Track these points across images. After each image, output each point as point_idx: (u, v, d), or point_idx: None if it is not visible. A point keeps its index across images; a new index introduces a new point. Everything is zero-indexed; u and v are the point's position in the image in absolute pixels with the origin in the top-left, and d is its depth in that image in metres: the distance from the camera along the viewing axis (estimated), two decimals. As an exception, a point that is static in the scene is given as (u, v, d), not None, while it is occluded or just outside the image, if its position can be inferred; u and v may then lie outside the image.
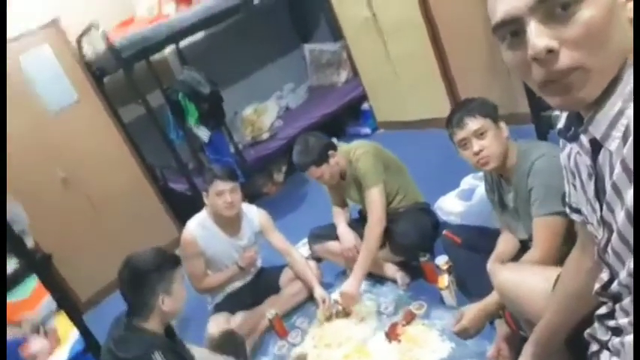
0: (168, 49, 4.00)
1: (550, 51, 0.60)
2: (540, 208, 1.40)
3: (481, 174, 2.37)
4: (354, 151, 2.16)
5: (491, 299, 1.49)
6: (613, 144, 0.65)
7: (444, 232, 1.95)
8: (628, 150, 0.63)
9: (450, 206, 2.28)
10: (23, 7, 3.45)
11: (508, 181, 1.57)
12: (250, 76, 4.66)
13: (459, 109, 1.52)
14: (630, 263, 0.70)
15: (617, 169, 0.65)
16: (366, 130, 4.17)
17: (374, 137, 4.11)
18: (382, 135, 4.13)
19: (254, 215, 2.39)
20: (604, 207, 0.72)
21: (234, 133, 3.86)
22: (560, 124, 0.81)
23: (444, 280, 2.01)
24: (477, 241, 1.73)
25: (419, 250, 2.15)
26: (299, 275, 2.36)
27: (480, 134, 1.46)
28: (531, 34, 0.61)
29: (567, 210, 0.92)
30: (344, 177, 2.23)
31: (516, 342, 1.62)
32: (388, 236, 2.14)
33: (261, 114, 4.26)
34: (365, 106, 4.29)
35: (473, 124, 1.46)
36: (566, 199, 0.91)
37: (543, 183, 1.39)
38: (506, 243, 1.65)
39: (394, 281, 2.27)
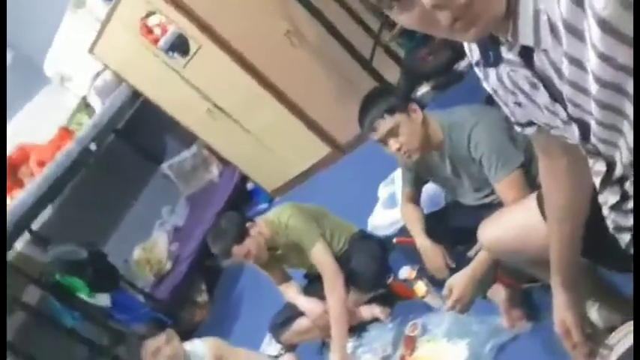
0: (21, 243, 3.51)
1: None
2: (500, 172, 1.42)
3: (391, 177, 2.40)
4: (278, 220, 2.02)
5: (477, 263, 1.44)
6: (547, 43, 0.64)
7: (395, 240, 1.88)
8: (568, 43, 0.61)
9: (384, 220, 2.23)
10: None
11: (439, 156, 1.57)
12: (121, 221, 4.31)
13: (366, 111, 1.51)
14: (626, 141, 0.67)
15: (564, 64, 0.63)
16: (263, 206, 4.06)
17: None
18: (280, 202, 4.06)
19: (201, 350, 2.06)
20: (568, 106, 0.69)
21: (135, 281, 3.46)
22: (476, 56, 0.80)
23: (421, 287, 1.91)
24: (431, 230, 1.68)
25: (383, 275, 2.04)
26: None
27: (393, 132, 1.44)
28: None
29: (517, 128, 0.90)
30: (276, 248, 2.06)
31: (519, 297, 1.58)
32: (348, 279, 2.00)
33: (152, 250, 3.91)
34: (250, 185, 4.20)
35: (383, 125, 1.46)
36: (512, 119, 0.89)
37: (491, 149, 1.42)
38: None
39: (376, 320, 2.12)
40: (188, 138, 4.27)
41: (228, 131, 3.77)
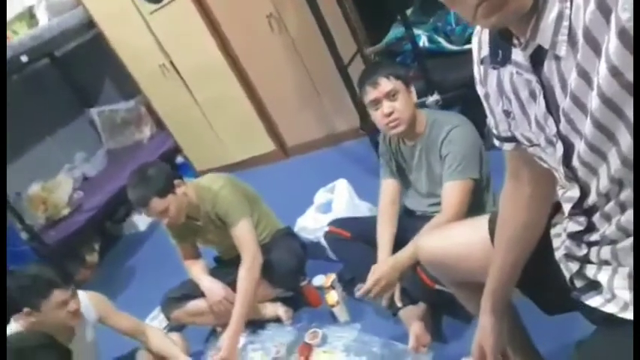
0: None
1: None
2: (456, 173, 1.45)
3: (332, 185, 2.36)
4: (208, 187, 1.88)
5: (403, 254, 1.46)
6: (561, 49, 0.63)
7: (328, 228, 1.82)
8: (582, 54, 0.60)
9: (314, 223, 2.17)
10: None
11: (412, 147, 1.59)
12: (27, 152, 3.88)
13: (373, 70, 1.53)
14: (609, 168, 0.67)
15: (573, 75, 0.63)
16: (187, 183, 3.85)
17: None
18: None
19: (85, 303, 1.83)
20: (561, 120, 0.69)
21: (24, 217, 3.09)
22: (484, 52, 0.79)
23: (332, 296, 1.86)
24: (368, 232, 1.64)
25: (298, 276, 1.97)
26: (161, 354, 1.90)
27: (392, 95, 1.47)
28: None
29: (496, 142, 0.89)
30: (196, 218, 1.92)
31: (432, 300, 1.58)
32: (263, 271, 1.89)
33: (52, 190, 3.54)
34: (179, 159, 3.97)
35: (386, 85, 1.47)
36: (494, 131, 0.88)
37: (460, 151, 1.46)
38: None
39: (276, 320, 2.03)
40: (129, 89, 3.98)
41: (175, 94, 3.56)
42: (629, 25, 0.54)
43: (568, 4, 0.61)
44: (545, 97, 0.70)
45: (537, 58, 0.68)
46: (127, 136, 4.20)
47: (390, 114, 1.46)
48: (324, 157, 3.33)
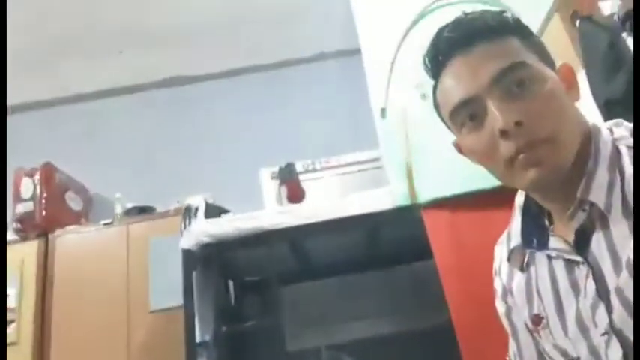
0: None
1: (518, 123, 0.59)
2: None
3: None
4: None
5: None
6: (616, 214, 0.59)
7: None
8: None
9: None
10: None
11: None
12: None
13: None
14: None
15: (630, 244, 0.56)
16: None
17: None
18: None
19: None
20: (615, 305, 0.58)
21: None
22: (514, 243, 0.71)
23: None
24: None
25: None
26: None
27: None
28: (496, 109, 0.60)
29: None
30: None
31: None
32: None
33: None
34: None
35: None
36: None
37: None
38: None
39: None
40: None
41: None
42: None
43: (618, 175, 0.59)
44: (595, 280, 0.60)
45: (581, 236, 0.62)
46: None
47: None
48: None
